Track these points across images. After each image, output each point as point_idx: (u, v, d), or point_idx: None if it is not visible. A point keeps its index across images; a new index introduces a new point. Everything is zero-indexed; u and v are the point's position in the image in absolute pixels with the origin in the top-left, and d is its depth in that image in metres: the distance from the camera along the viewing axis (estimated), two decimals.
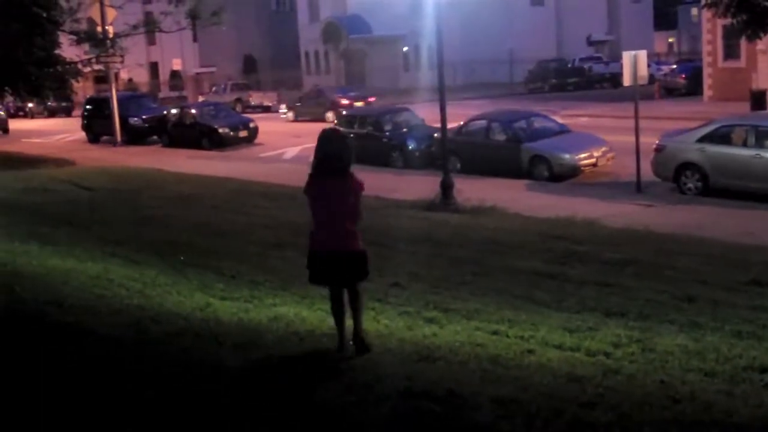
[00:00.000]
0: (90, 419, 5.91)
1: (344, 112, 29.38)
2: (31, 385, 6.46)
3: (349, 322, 7.49)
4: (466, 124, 24.74)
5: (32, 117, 62.09)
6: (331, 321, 8.14)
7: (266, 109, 55.31)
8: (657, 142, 19.90)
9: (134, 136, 38.03)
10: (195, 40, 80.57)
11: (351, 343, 7.42)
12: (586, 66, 61.11)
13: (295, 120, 44.79)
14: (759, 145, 18.05)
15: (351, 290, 7.44)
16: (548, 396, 6.27)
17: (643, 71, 19.66)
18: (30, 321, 8.32)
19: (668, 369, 7.30)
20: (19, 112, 62.53)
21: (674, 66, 56.26)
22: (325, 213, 7.26)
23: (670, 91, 46.91)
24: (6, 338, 7.77)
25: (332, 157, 7.20)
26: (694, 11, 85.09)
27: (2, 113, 50.64)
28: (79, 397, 6.29)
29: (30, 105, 60.60)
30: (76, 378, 6.69)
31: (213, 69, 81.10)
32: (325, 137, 7.30)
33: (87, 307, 9.09)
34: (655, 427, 5.77)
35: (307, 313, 9.22)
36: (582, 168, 21.99)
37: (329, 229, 7.25)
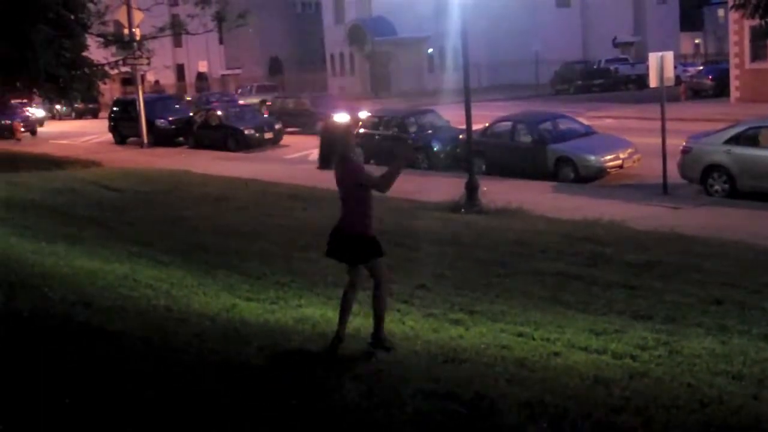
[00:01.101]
0: (104, 418, 5.94)
1: (369, 114, 29.36)
2: (60, 385, 6.50)
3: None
4: (491, 125, 24.70)
5: (60, 119, 62.49)
6: (355, 323, 8.16)
7: None
8: (684, 143, 19.79)
9: (161, 138, 38.23)
10: (221, 42, 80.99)
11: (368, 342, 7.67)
12: (611, 67, 60.80)
13: None
14: None
15: (373, 290, 7.67)
16: (575, 399, 6.25)
17: (670, 73, 19.56)
18: (58, 321, 8.38)
19: (695, 372, 7.27)
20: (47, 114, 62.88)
21: (701, 67, 55.94)
22: (340, 196, 7.71)
23: (697, 93, 46.64)
24: (35, 339, 7.82)
25: (323, 148, 7.67)
26: (721, 12, 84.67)
27: (30, 115, 51.01)
28: (96, 396, 6.31)
29: (57, 107, 60.95)
30: (98, 377, 6.73)
31: (239, 71, 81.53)
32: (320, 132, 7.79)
33: (114, 308, 9.14)
34: (683, 430, 5.74)
35: (332, 314, 9.21)
36: (608, 170, 21.89)
37: (342, 211, 7.67)
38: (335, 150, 7.54)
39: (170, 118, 39.09)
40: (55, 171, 27.89)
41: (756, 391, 6.75)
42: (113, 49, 35.48)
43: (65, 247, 13.72)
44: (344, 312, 7.74)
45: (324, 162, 7.67)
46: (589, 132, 24.03)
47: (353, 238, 7.54)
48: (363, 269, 7.69)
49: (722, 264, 12.41)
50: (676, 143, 19.77)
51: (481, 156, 22.65)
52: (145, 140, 37.22)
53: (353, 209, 7.53)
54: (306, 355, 7.50)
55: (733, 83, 41.88)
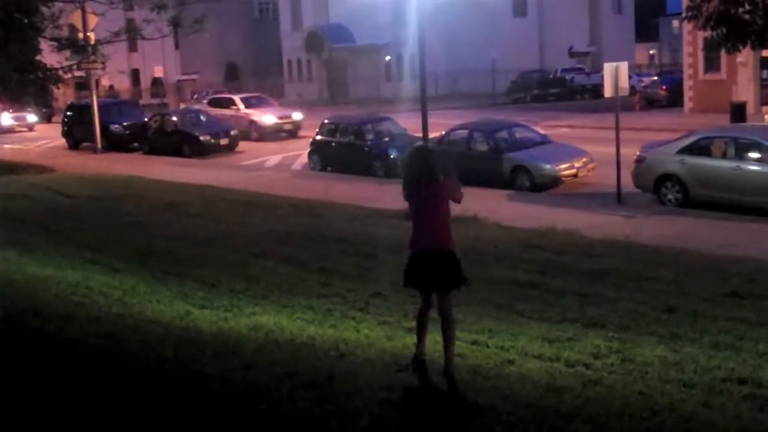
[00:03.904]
0: (67, 427, 5.88)
1: (326, 121, 29.24)
2: (7, 393, 6.41)
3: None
4: (448, 133, 24.76)
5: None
6: (310, 330, 8.12)
7: None
8: (637, 153, 19.98)
9: (115, 143, 37.89)
10: (177, 47, 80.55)
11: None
12: (567, 77, 61.37)
13: None
14: (739, 157, 18.15)
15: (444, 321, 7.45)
16: (528, 406, 6.28)
17: (624, 83, 19.72)
18: (8, 329, 8.26)
19: (647, 380, 7.33)
20: None
21: (655, 78, 56.66)
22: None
23: (651, 103, 47.19)
24: None
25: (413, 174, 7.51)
26: (676, 23, 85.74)
27: None
28: (58, 405, 6.24)
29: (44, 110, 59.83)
30: (54, 386, 6.64)
31: (195, 76, 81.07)
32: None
33: (66, 315, 9.04)
34: None
35: (286, 322, 9.20)
36: (563, 178, 22.05)
37: (433, 226, 7.66)
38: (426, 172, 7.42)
39: (125, 123, 38.77)
40: (8, 176, 27.55)
41: (706, 399, 6.82)
42: (67, 53, 35.07)
43: (17, 254, 13.55)
44: (423, 332, 7.57)
45: (409, 189, 7.44)
46: (544, 141, 24.19)
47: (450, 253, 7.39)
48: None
49: (675, 272, 12.53)
50: (630, 152, 19.96)
51: None
52: (99, 145, 36.84)
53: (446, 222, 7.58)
54: (260, 363, 7.45)
55: (687, 93, 42.42)
